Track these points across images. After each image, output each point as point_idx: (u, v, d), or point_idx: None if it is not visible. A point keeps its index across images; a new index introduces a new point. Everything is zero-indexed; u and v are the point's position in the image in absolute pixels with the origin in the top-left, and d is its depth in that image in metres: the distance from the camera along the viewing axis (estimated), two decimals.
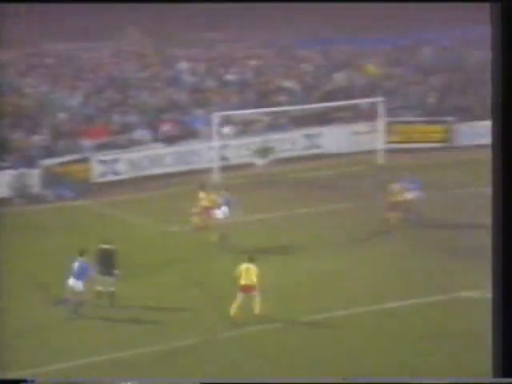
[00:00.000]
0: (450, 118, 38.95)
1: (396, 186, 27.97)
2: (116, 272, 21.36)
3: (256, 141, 36.65)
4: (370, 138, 37.27)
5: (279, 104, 38.86)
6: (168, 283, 22.98)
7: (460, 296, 21.73)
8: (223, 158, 35.56)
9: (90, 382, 15.15)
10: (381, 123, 37.09)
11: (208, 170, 34.44)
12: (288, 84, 40.86)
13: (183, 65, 42.09)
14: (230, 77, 41.32)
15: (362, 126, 38.08)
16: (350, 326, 20.03)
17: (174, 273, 23.82)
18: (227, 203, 26.43)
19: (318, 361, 18.29)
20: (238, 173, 34.72)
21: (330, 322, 20.24)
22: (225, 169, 34.65)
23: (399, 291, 22.10)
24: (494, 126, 11.37)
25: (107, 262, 21.45)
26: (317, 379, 16.60)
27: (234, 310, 20.15)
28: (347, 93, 40.13)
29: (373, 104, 37.85)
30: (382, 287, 22.43)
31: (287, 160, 36.10)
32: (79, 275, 20.60)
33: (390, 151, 36.39)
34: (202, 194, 26.68)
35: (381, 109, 36.85)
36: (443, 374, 17.32)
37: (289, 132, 37.77)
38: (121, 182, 33.88)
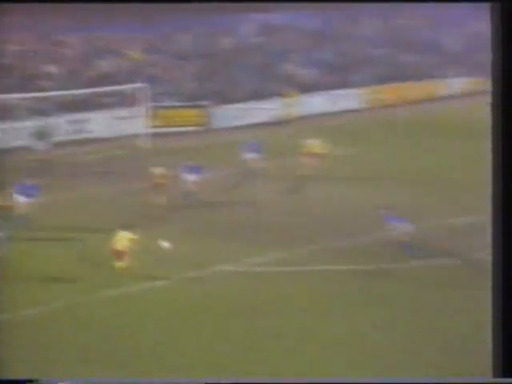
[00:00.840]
0: (206, 103, 41.75)
1: (158, 169, 28.96)
2: None
3: (24, 126, 37.21)
4: (134, 122, 39.15)
5: (44, 89, 39.62)
6: None
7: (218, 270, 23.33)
8: None
9: (91, 381, 15.53)
10: (144, 108, 39.06)
11: None
12: (52, 69, 41.63)
13: None
14: None
15: (126, 111, 39.83)
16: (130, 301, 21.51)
17: None
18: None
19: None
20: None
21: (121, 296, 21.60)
22: None
23: (169, 269, 23.24)
24: (494, 125, 11.22)
25: None
26: (317, 379, 16.95)
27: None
28: (111, 79, 41.68)
29: (136, 90, 39.67)
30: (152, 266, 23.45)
31: (55, 145, 36.93)
32: None
33: (154, 135, 38.51)
34: None
35: (144, 94, 38.80)
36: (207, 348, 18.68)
37: (54, 117, 38.69)
38: None
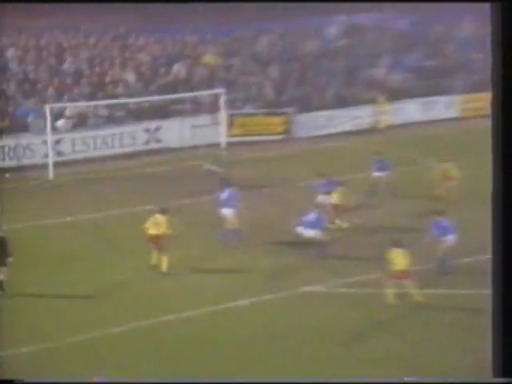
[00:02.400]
0: (289, 109, 38.71)
1: None
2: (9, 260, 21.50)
3: (94, 135, 35.19)
4: (211, 131, 36.52)
5: (116, 96, 37.34)
6: None
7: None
8: (58, 153, 33.86)
9: (90, 382, 15.29)
10: (222, 115, 36.35)
11: (42, 166, 32.66)
12: (125, 75, 39.24)
13: (11, 52, 39.60)
14: (62, 67, 39.28)
15: (202, 119, 37.16)
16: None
17: None
18: None
19: None
20: (74, 169, 33.22)
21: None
22: (60, 164, 32.99)
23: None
24: (494, 127, 11.30)
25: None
26: (317, 379, 17.07)
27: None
28: (186, 84, 39.12)
29: (213, 96, 37.07)
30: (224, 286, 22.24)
31: (128, 155, 34.89)
32: None
33: (231, 145, 35.68)
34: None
35: (221, 101, 36.10)
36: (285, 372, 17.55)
37: (127, 126, 36.27)
38: None
